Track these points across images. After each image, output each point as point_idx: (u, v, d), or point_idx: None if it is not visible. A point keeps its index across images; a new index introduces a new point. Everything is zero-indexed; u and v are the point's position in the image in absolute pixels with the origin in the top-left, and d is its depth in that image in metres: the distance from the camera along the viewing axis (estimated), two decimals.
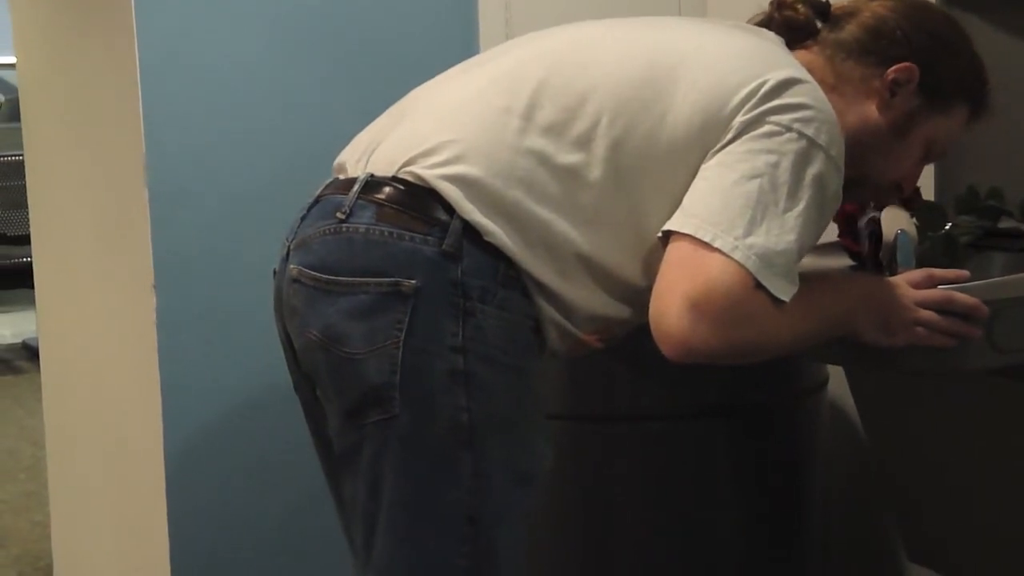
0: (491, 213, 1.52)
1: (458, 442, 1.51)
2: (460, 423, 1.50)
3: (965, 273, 1.68)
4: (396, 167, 1.55)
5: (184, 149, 2.26)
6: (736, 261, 1.46)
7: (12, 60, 3.00)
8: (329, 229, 1.54)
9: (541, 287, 1.54)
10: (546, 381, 1.62)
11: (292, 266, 1.58)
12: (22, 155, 2.97)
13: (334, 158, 2.29)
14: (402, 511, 1.52)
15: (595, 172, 1.53)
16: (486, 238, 1.51)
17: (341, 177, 1.63)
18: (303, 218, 1.60)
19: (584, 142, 1.53)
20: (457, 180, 1.52)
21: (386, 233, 1.50)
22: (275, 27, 2.31)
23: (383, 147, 1.60)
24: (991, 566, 2.01)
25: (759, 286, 1.47)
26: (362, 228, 1.52)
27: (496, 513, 1.54)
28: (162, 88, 2.24)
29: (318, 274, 1.53)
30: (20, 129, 2.94)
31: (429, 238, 1.50)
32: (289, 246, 1.60)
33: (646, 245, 1.55)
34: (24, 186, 2.96)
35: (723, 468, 2.17)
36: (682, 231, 1.49)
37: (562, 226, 1.53)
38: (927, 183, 2.12)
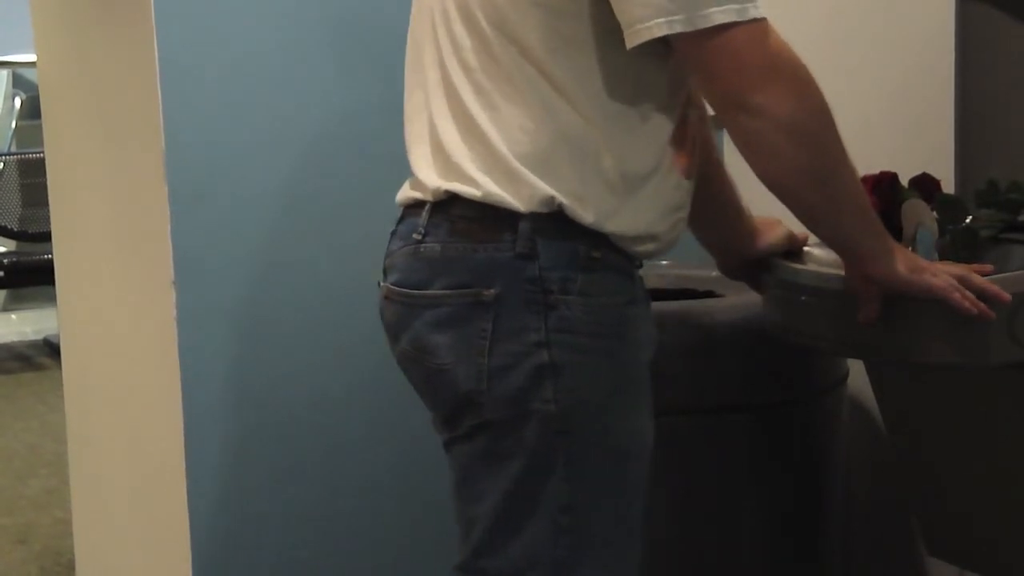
0: (534, 191, 1.53)
1: (548, 433, 1.54)
2: (549, 415, 1.54)
3: (988, 267, 1.67)
4: (451, 182, 1.57)
5: (204, 146, 2.27)
6: (735, 22, 1.45)
7: (32, 58, 3.00)
8: (409, 250, 1.60)
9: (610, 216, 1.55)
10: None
11: (383, 284, 1.65)
12: (43, 152, 2.99)
13: (354, 155, 2.30)
14: (500, 506, 1.56)
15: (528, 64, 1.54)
16: (567, 212, 1.53)
17: (414, 183, 1.65)
18: (392, 234, 1.66)
19: (490, 55, 1.55)
20: (499, 178, 1.54)
21: (461, 248, 1.55)
22: (296, 24, 2.31)
23: (438, 157, 1.61)
24: (1013, 561, 2.00)
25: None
26: (439, 247, 1.57)
27: (594, 496, 1.57)
28: (182, 85, 2.24)
29: (403, 290, 1.60)
30: (41, 127, 2.95)
31: (502, 245, 1.54)
32: (384, 264, 1.67)
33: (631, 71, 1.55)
34: (45, 183, 2.97)
35: (743, 464, 2.17)
36: (670, 33, 1.46)
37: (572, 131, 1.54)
38: (948, 176, 2.11)
